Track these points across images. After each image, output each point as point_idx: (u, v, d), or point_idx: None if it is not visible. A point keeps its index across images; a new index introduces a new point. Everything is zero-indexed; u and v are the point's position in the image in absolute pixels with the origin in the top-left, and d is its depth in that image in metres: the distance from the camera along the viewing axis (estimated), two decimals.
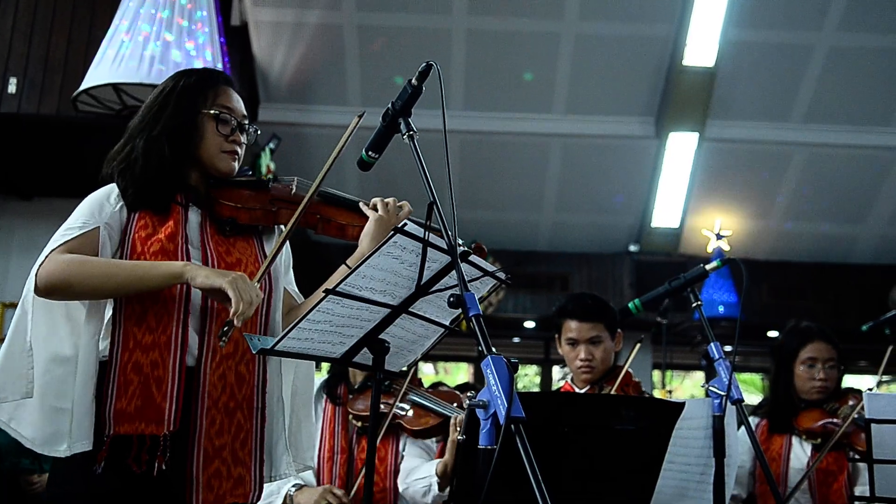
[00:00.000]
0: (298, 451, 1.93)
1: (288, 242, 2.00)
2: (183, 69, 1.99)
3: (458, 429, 2.38)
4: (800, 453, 2.93)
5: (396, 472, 2.65)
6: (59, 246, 1.69)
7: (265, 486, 1.93)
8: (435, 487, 2.52)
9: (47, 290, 1.64)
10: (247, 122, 1.93)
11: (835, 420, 2.86)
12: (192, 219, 1.82)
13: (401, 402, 2.63)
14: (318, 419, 2.72)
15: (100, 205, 1.77)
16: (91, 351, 1.70)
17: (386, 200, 1.92)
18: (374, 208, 1.90)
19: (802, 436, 2.92)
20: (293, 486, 2.55)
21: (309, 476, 2.59)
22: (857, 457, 2.75)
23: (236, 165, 1.90)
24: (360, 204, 1.93)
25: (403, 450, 2.69)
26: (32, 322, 1.69)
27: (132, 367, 1.67)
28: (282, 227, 1.98)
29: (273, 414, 1.86)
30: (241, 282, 1.60)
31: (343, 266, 1.85)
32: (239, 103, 1.92)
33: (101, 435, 1.65)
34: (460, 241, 1.88)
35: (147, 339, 1.69)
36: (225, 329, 1.62)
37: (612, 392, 2.61)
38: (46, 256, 1.67)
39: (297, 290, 2.01)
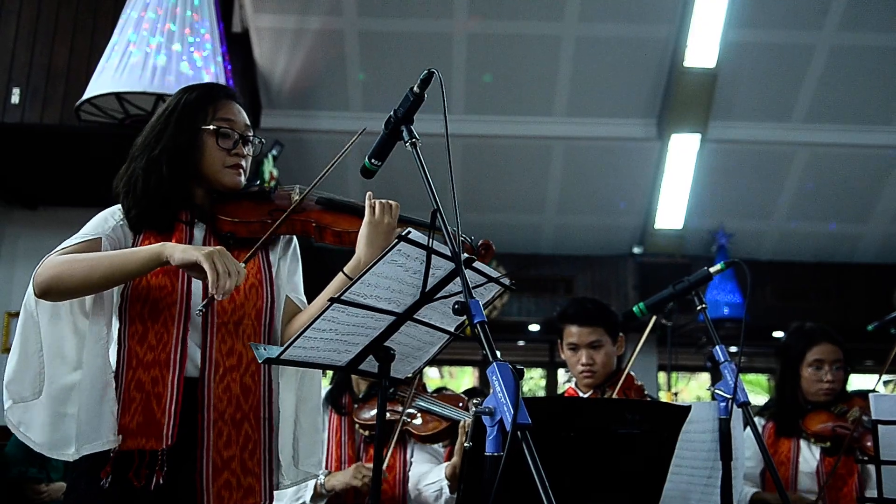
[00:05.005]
0: (301, 459, 1.92)
1: (297, 248, 2.00)
2: (186, 85, 1.98)
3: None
4: (808, 457, 2.90)
5: (405, 479, 2.65)
6: (56, 251, 1.72)
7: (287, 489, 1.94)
8: (446, 490, 2.52)
9: (42, 291, 1.66)
10: (250, 133, 1.91)
11: (844, 424, 2.85)
12: (196, 235, 1.83)
13: (408, 409, 2.63)
14: (323, 430, 2.72)
15: (104, 219, 1.80)
16: (96, 355, 1.71)
17: (378, 202, 1.87)
18: (372, 209, 1.85)
19: (811, 439, 2.90)
20: (321, 472, 2.56)
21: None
22: (865, 458, 2.74)
23: (242, 179, 1.88)
24: (367, 195, 1.87)
25: (411, 457, 2.69)
26: (41, 330, 1.71)
27: (135, 384, 1.70)
28: (293, 240, 1.98)
29: (280, 422, 1.86)
30: (217, 255, 1.58)
31: (340, 274, 1.84)
32: (241, 115, 1.90)
33: (106, 450, 1.67)
34: (469, 238, 1.89)
35: (148, 357, 1.71)
36: (204, 302, 1.61)
37: (615, 396, 2.61)
38: (43, 261, 1.69)
39: (303, 298, 1.97)
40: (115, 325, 1.77)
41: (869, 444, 2.70)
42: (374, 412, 2.64)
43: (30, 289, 1.69)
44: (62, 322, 1.74)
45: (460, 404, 2.63)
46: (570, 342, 2.75)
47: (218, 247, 1.62)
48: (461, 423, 2.44)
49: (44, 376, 1.70)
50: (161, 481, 1.66)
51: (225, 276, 1.56)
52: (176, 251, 1.61)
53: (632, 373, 2.71)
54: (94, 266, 1.65)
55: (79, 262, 1.66)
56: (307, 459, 1.94)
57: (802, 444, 2.93)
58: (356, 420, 2.67)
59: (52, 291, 1.66)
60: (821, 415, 2.92)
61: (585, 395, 2.74)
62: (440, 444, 2.79)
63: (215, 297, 1.57)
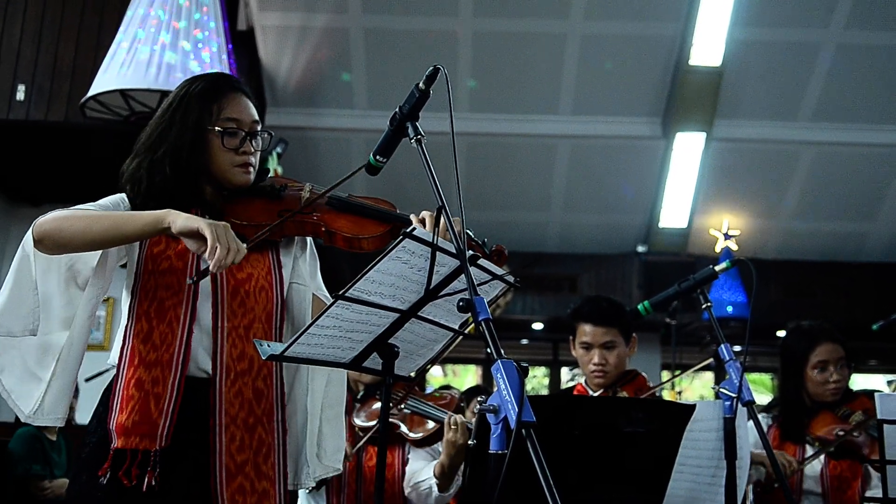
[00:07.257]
0: (325, 456, 1.92)
1: (313, 247, 1.98)
2: (190, 77, 1.92)
3: (452, 429, 2.39)
4: (814, 461, 2.88)
5: (402, 477, 2.66)
6: (66, 209, 1.69)
7: None
8: (435, 489, 2.53)
9: (39, 237, 1.64)
10: (258, 127, 1.85)
11: (847, 427, 2.82)
12: None
13: (402, 409, 2.64)
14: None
15: (115, 202, 1.78)
16: (80, 333, 1.72)
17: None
18: (422, 222, 1.75)
19: (815, 444, 2.87)
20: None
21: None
22: (869, 460, 2.73)
23: (251, 177, 1.84)
24: (412, 216, 1.78)
25: (408, 454, 2.70)
26: (36, 275, 1.69)
27: (135, 382, 1.68)
28: (308, 238, 1.95)
29: (297, 423, 1.84)
30: (221, 228, 1.56)
31: None
32: (247, 110, 1.84)
33: (107, 447, 1.66)
34: (482, 241, 1.86)
35: (151, 357, 1.69)
36: (200, 271, 1.60)
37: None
38: (49, 213, 1.67)
39: (327, 294, 1.95)
40: (123, 322, 1.75)
41: (868, 451, 2.69)
42: (369, 411, 2.66)
43: (29, 232, 1.67)
44: (52, 278, 1.71)
45: (450, 403, 2.63)
46: (583, 341, 2.72)
47: (223, 222, 1.60)
48: (446, 419, 2.45)
49: (38, 315, 1.67)
50: (153, 482, 1.63)
51: (224, 249, 1.53)
52: (179, 218, 1.58)
53: (644, 374, 2.70)
54: (95, 221, 1.63)
55: (81, 215, 1.64)
56: (333, 455, 1.93)
57: (808, 449, 2.90)
58: (352, 424, 2.68)
59: (48, 239, 1.64)
60: (825, 417, 2.89)
61: (595, 395, 2.73)
62: (438, 443, 2.80)
63: (211, 269, 1.54)
